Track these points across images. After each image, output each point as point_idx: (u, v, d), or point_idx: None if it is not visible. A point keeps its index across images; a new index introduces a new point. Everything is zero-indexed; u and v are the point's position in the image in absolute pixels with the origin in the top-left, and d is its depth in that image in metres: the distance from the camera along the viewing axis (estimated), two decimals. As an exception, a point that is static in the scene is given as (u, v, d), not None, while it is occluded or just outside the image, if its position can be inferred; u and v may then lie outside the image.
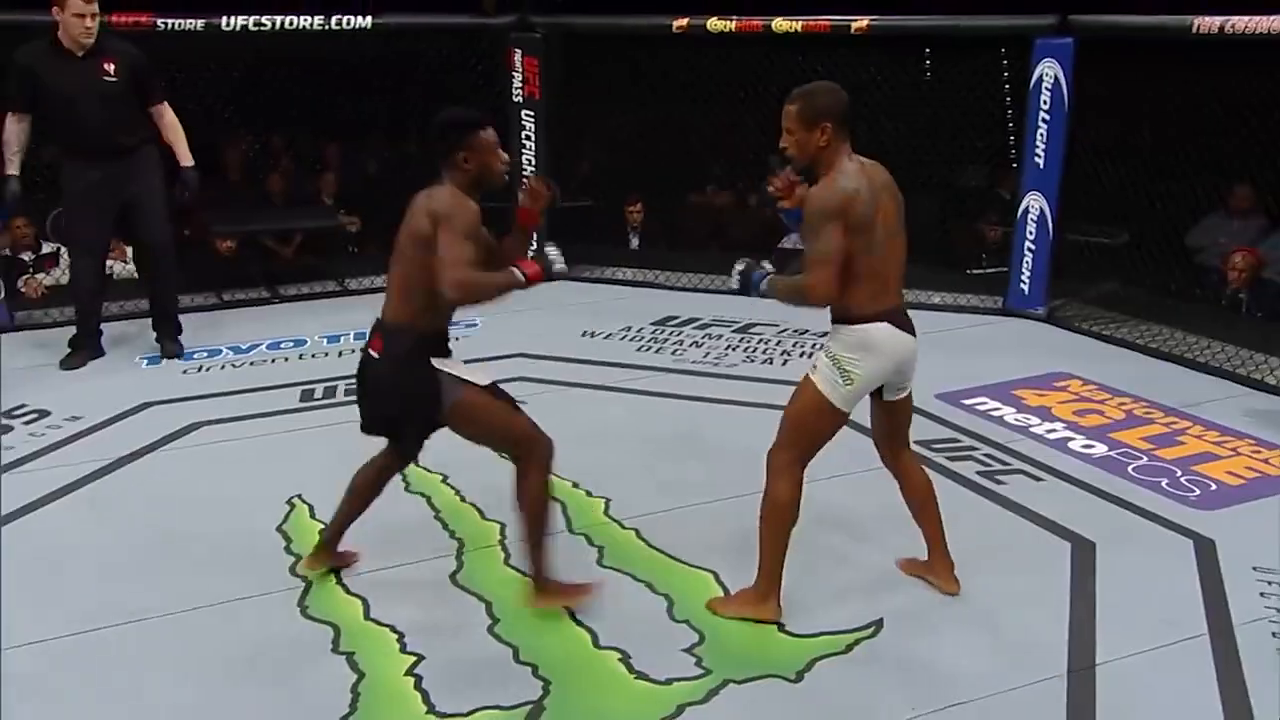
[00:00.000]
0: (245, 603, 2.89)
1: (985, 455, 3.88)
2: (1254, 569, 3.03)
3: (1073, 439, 4.03)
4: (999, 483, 3.65)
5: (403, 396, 2.62)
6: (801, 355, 5.13)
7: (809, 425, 2.77)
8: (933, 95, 6.43)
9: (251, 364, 4.97)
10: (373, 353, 2.67)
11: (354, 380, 2.77)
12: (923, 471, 3.02)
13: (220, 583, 2.97)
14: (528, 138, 6.56)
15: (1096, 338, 5.32)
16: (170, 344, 5.04)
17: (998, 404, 4.39)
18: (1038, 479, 3.69)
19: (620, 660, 2.62)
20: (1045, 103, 5.38)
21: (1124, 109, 5.63)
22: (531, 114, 6.52)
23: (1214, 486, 3.59)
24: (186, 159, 4.81)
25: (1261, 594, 2.91)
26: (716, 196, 8.24)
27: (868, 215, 2.64)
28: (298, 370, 4.86)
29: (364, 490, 2.90)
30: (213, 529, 3.30)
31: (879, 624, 2.79)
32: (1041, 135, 5.43)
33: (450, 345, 2.73)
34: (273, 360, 5.03)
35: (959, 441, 4.00)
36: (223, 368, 4.92)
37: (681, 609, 2.85)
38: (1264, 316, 5.55)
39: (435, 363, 2.62)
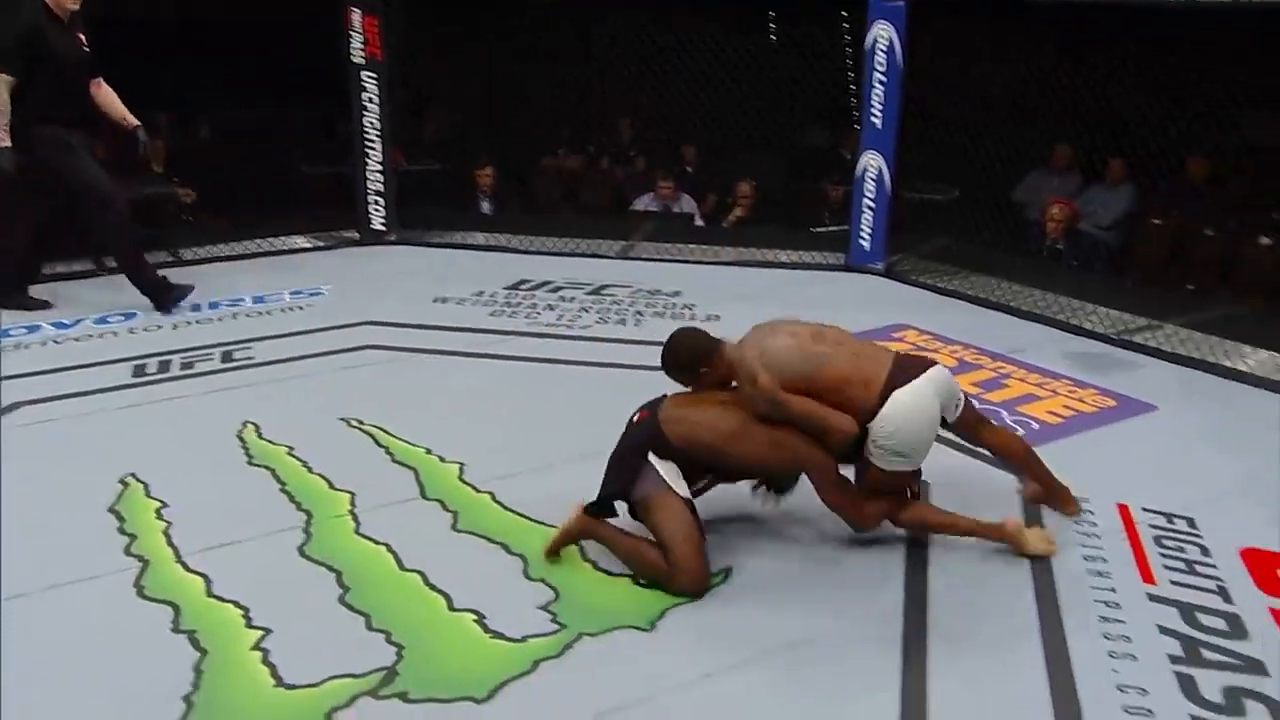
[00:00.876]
0: (77, 586, 2.74)
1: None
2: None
3: (910, 386, 4.22)
4: (843, 430, 3.80)
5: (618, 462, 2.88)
6: (655, 315, 5.18)
7: (883, 488, 2.91)
8: (778, 58, 6.56)
9: (76, 340, 4.69)
10: (635, 417, 2.95)
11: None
12: (1011, 434, 3.23)
13: (50, 568, 2.81)
14: (370, 100, 6.37)
15: (931, 290, 5.57)
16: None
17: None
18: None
19: (475, 621, 2.61)
20: (881, 64, 5.57)
21: (954, 70, 5.88)
22: (373, 76, 6.32)
23: (1036, 425, 3.82)
24: (134, 120, 4.93)
25: (1076, 523, 3.13)
26: (567, 159, 8.21)
27: (785, 361, 2.79)
28: (129, 345, 4.61)
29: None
30: (40, 511, 3.11)
31: (728, 571, 2.86)
32: (878, 96, 5.62)
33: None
34: (100, 335, 4.76)
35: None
36: (44, 344, 4.62)
37: (536, 568, 2.86)
38: (1080, 265, 5.95)
39: (651, 457, 2.82)
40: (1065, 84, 5.44)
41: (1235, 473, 3.42)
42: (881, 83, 5.59)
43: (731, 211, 7.11)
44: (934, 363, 2.93)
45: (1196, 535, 3.05)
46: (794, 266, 6.07)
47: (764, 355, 2.80)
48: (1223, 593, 2.76)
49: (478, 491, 3.29)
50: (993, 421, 3.20)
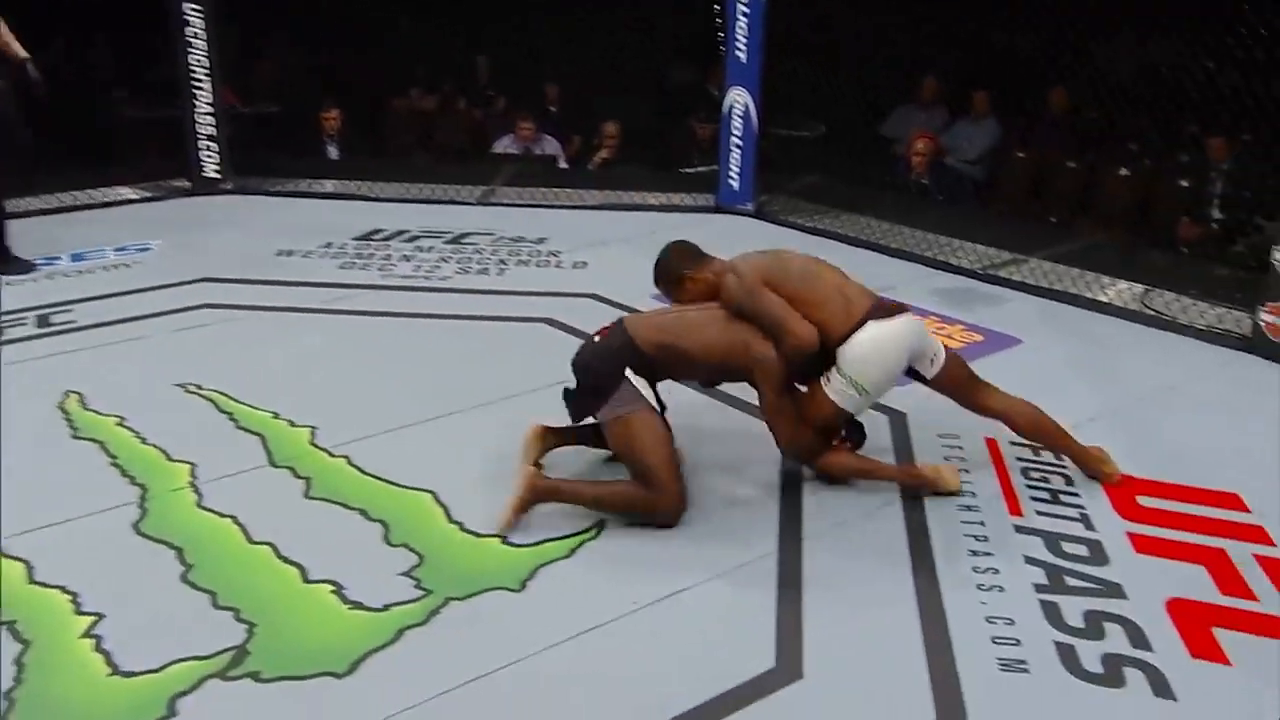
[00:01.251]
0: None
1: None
2: (939, 436, 3.38)
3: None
4: (715, 375, 3.84)
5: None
6: (519, 263, 5.12)
7: (826, 424, 2.99)
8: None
9: None
10: (595, 337, 2.99)
11: None
12: (1021, 402, 3.10)
13: None
14: (195, 36, 6.02)
15: (802, 230, 5.67)
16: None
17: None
18: (751, 369, 3.92)
19: (333, 592, 2.55)
20: (744, -5, 5.57)
21: (820, 2, 5.93)
22: (198, 8, 5.97)
23: (907, 363, 3.95)
24: (22, 52, 4.66)
25: (945, 458, 3.26)
26: (421, 100, 7.98)
27: (778, 268, 2.95)
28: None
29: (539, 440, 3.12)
30: None
31: (601, 524, 2.87)
32: (742, 29, 5.63)
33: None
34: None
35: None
36: None
37: (398, 533, 2.81)
38: (945, 200, 6.14)
39: (628, 372, 2.86)
40: (931, 15, 5.56)
41: (1097, 403, 3.61)
42: (745, 14, 5.61)
43: (597, 153, 7.06)
44: (909, 311, 3.01)
45: (1061, 466, 3.21)
46: (663, 209, 6.08)
47: (750, 261, 2.99)
48: (1085, 520, 2.92)
49: (332, 456, 3.20)
50: (992, 385, 3.12)
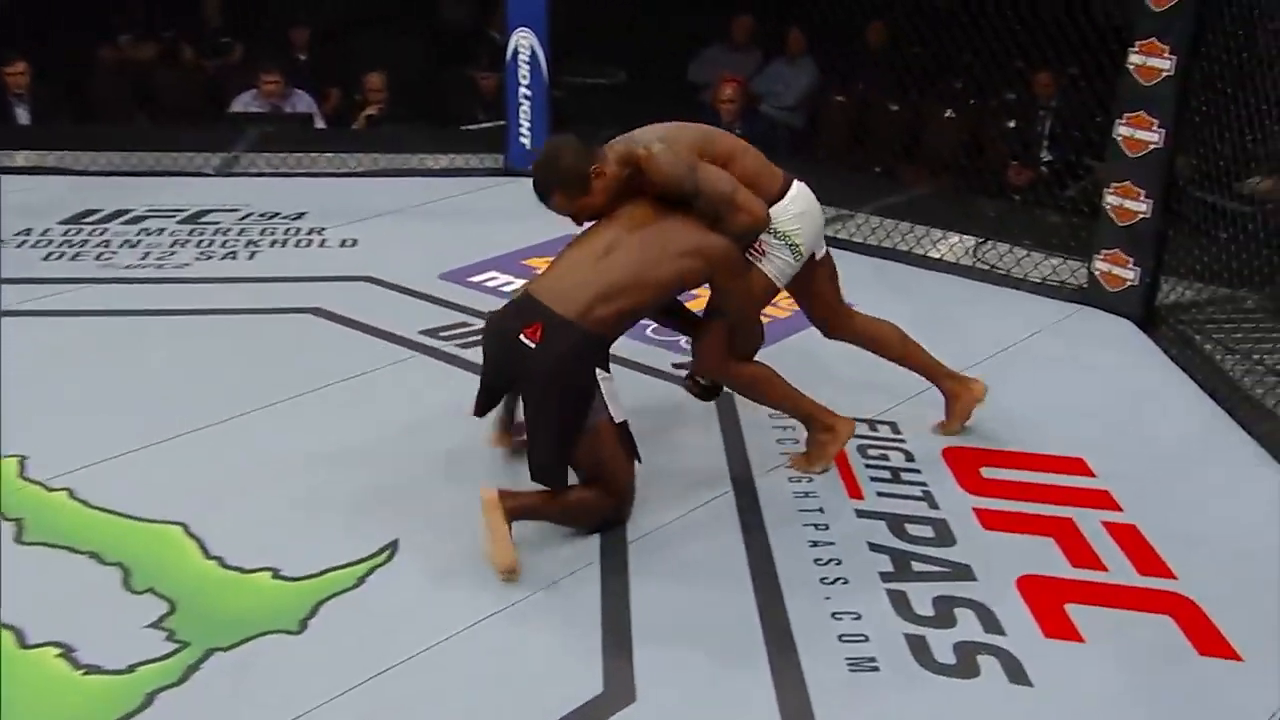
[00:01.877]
0: None
1: (500, 336, 4.05)
2: (770, 416, 3.49)
3: (591, 305, 4.33)
4: (516, 364, 3.84)
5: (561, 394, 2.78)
6: (274, 244, 4.95)
7: (756, 311, 3.10)
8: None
9: None
10: (527, 341, 2.75)
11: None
12: (884, 322, 3.39)
13: None
14: None
15: (607, 191, 5.71)
16: None
17: (509, 277, 4.59)
18: (558, 354, 3.93)
19: (60, 656, 2.42)
20: (522, -82, 5.55)
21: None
22: None
23: (731, 335, 4.05)
24: None
25: (778, 440, 3.38)
26: (135, 49, 7.55)
27: (690, 135, 2.98)
28: None
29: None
30: None
31: (394, 545, 2.83)
32: (521, -43, 5.61)
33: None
34: None
35: (470, 325, 4.13)
36: None
37: (142, 576, 2.69)
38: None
39: (600, 376, 2.80)
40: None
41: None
42: (524, -57, 5.59)
43: (361, 110, 6.89)
44: None
45: (900, 440, 3.38)
46: (444, 173, 6.01)
47: (669, 137, 2.93)
48: (928, 498, 3.09)
49: (50, 490, 3.04)
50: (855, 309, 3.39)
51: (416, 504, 3.03)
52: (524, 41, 5.75)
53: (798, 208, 3.06)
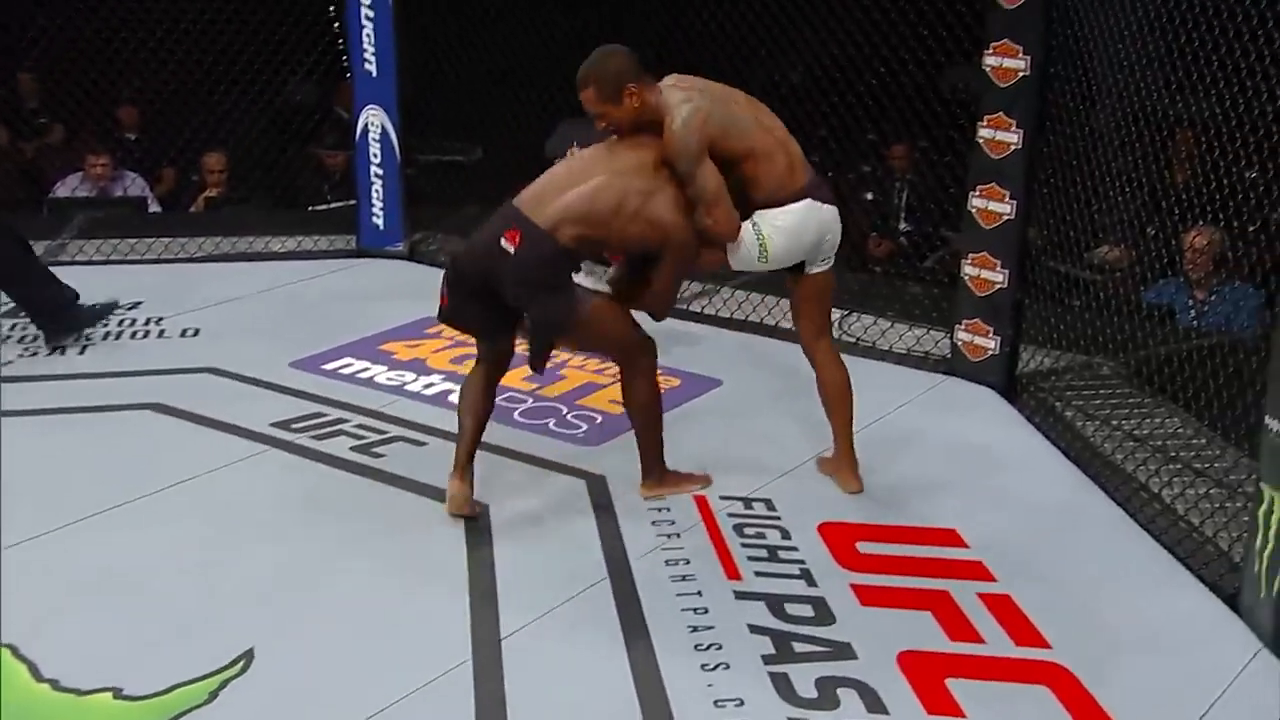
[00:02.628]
0: None
1: (358, 427, 4.03)
2: (645, 501, 3.54)
3: (453, 390, 4.29)
4: (377, 455, 3.82)
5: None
6: (107, 337, 4.82)
7: (707, 269, 3.55)
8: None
9: None
10: (506, 245, 3.14)
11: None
12: (839, 367, 3.59)
13: None
14: None
15: (463, 272, 5.74)
16: None
17: (366, 364, 4.57)
18: (420, 443, 3.93)
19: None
20: (366, -1, 5.61)
21: (459, 6, 6.07)
22: None
23: (599, 419, 4.11)
24: None
25: (653, 523, 3.43)
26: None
27: (726, 118, 3.22)
28: None
29: (478, 406, 3.47)
30: None
31: (249, 655, 2.77)
32: (368, 38, 5.66)
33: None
34: None
35: (325, 416, 4.10)
36: None
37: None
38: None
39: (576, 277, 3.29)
40: (599, 19, 5.80)
41: (806, 443, 3.92)
42: (370, 19, 5.64)
43: (200, 192, 6.80)
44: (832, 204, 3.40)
45: (775, 518, 3.47)
46: (293, 256, 5.95)
47: (699, 110, 3.18)
48: (806, 576, 3.17)
49: None
50: (836, 349, 3.62)
51: (272, 609, 2.98)
52: (374, 119, 5.78)
53: (786, 221, 3.29)
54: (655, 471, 3.56)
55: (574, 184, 3.20)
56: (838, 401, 3.60)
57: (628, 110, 3.20)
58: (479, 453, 3.74)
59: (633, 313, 3.41)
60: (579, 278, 3.36)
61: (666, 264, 3.29)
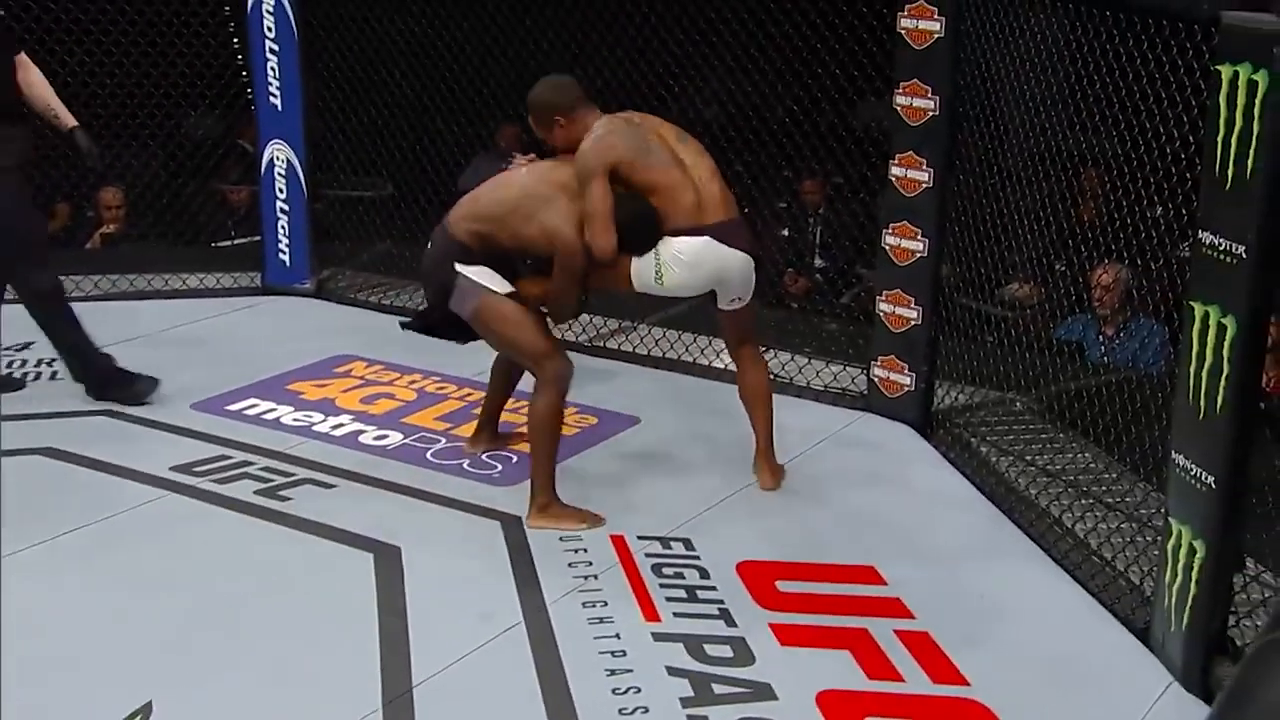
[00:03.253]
0: None
1: (264, 469, 3.98)
2: (560, 539, 3.55)
3: (363, 431, 4.31)
4: (283, 499, 3.78)
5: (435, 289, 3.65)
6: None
7: (611, 287, 3.69)
8: (136, 24, 6.25)
9: None
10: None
11: None
12: (759, 371, 3.92)
13: None
14: None
15: (375, 309, 5.72)
16: None
17: (271, 404, 4.52)
18: (329, 485, 3.90)
19: None
20: (270, 30, 5.58)
21: (367, 38, 6.07)
22: None
23: (515, 459, 4.11)
24: (71, 118, 4.57)
25: (570, 564, 3.43)
26: None
27: (639, 150, 3.53)
28: None
29: (501, 373, 4.03)
30: None
31: (147, 708, 2.71)
32: (273, 70, 5.62)
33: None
34: None
35: (229, 458, 4.04)
36: None
37: None
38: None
39: (458, 266, 3.53)
40: (506, 46, 5.83)
41: (724, 481, 3.96)
42: (274, 53, 5.61)
43: (96, 228, 6.68)
44: (750, 253, 3.65)
45: (694, 557, 3.49)
46: (195, 294, 5.87)
47: (612, 136, 3.52)
48: (725, 616, 3.20)
49: None
50: (758, 353, 3.95)
51: (172, 659, 2.93)
52: (279, 153, 5.74)
53: (684, 252, 3.54)
54: (544, 495, 3.63)
55: (489, 188, 3.63)
56: (756, 401, 3.91)
57: (558, 136, 3.62)
58: (388, 493, 3.74)
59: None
60: (481, 276, 3.54)
61: (555, 268, 3.55)
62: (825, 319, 5.46)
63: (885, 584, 3.38)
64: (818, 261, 6.32)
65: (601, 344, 5.29)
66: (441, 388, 4.76)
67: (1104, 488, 3.87)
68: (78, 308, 5.36)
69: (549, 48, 5.52)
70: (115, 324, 5.38)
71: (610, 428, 4.42)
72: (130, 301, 5.78)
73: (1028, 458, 4.11)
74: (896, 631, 3.14)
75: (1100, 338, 4.92)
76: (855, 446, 4.34)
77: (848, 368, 4.82)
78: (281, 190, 5.80)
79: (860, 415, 4.58)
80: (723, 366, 5.05)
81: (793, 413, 4.59)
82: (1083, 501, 3.77)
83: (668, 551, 3.53)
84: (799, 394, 4.77)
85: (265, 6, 5.55)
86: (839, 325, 5.26)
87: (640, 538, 3.58)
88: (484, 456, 4.12)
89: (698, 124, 5.81)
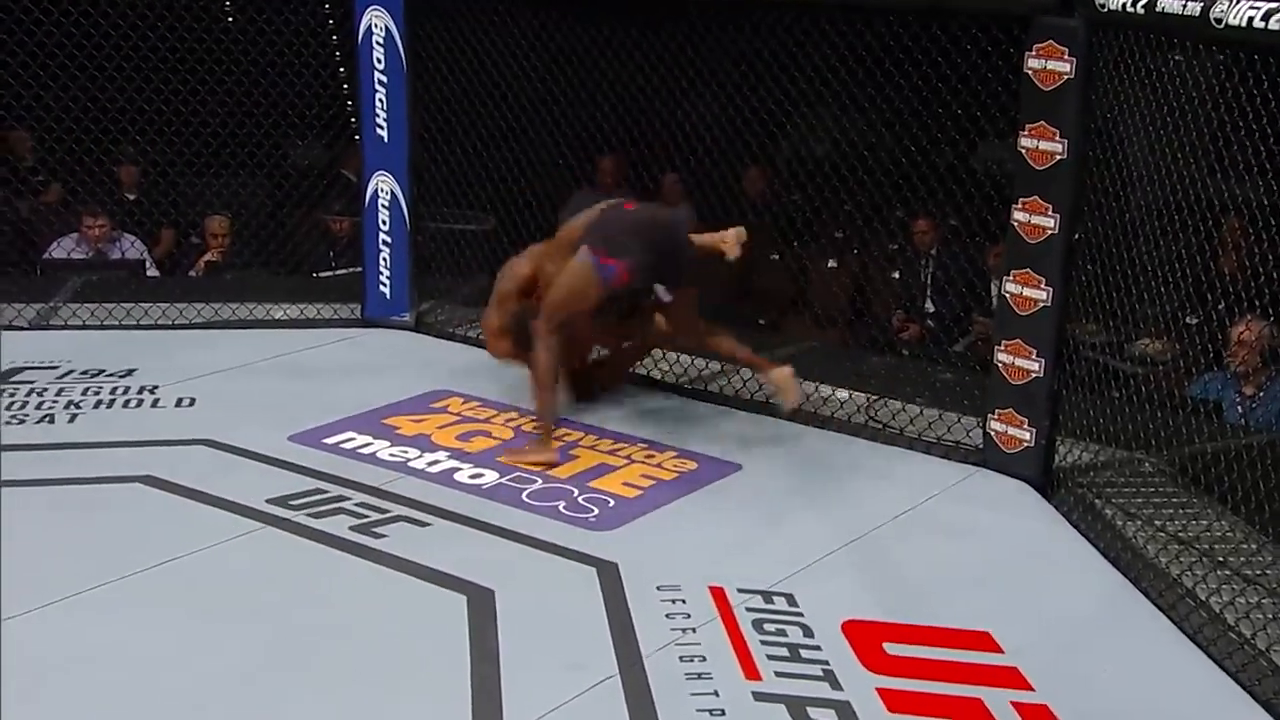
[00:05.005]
0: None
1: (359, 505, 4.01)
2: (658, 588, 3.51)
3: (459, 469, 4.33)
4: (378, 536, 3.80)
5: None
6: (99, 405, 4.83)
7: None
8: (244, 49, 6.43)
9: None
10: None
11: None
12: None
13: None
14: None
15: (473, 343, 5.74)
16: None
17: (368, 439, 4.57)
18: (423, 524, 3.91)
19: None
20: (379, 61, 5.68)
21: (473, 70, 6.16)
22: None
23: (612, 503, 4.09)
24: None
25: (668, 615, 3.39)
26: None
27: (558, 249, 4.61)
28: None
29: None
30: None
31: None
32: (380, 102, 5.72)
33: None
34: None
35: (325, 493, 4.08)
36: None
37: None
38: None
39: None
40: (610, 79, 5.87)
41: (829, 534, 3.90)
42: (382, 84, 5.71)
43: (200, 255, 6.86)
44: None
45: (797, 614, 3.43)
46: (295, 325, 5.98)
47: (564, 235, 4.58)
48: (830, 678, 3.13)
49: None
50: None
51: (257, 694, 2.95)
52: (384, 185, 5.83)
53: None
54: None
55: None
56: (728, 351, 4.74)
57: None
58: (482, 534, 3.75)
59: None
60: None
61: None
62: (938, 367, 5.36)
63: (1001, 651, 3.28)
64: (929, 306, 6.23)
65: (703, 386, 5.26)
66: (539, 427, 4.76)
67: (1242, 559, 3.71)
68: (181, 335, 5.51)
69: (659, 82, 5.54)
70: (217, 352, 5.52)
71: (710, 474, 4.38)
72: (231, 330, 5.91)
73: (1157, 523, 3.97)
74: (1014, 704, 3.04)
75: (1238, 397, 4.76)
76: (969, 503, 4.24)
77: (962, 420, 4.72)
78: (384, 222, 5.89)
79: (975, 471, 4.47)
80: (829, 413, 5.00)
81: (903, 465, 4.51)
82: (1219, 573, 3.62)
83: (770, 606, 3.47)
84: (909, 445, 4.68)
85: (376, 38, 5.66)
86: (953, 374, 5.16)
87: (741, 590, 3.53)
88: (580, 499, 4.10)
89: (809, 160, 5.80)
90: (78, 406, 4.81)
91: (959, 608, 3.49)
